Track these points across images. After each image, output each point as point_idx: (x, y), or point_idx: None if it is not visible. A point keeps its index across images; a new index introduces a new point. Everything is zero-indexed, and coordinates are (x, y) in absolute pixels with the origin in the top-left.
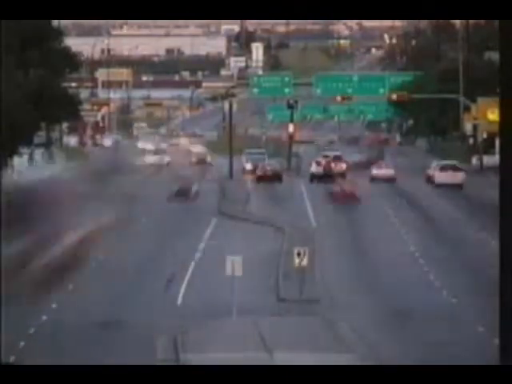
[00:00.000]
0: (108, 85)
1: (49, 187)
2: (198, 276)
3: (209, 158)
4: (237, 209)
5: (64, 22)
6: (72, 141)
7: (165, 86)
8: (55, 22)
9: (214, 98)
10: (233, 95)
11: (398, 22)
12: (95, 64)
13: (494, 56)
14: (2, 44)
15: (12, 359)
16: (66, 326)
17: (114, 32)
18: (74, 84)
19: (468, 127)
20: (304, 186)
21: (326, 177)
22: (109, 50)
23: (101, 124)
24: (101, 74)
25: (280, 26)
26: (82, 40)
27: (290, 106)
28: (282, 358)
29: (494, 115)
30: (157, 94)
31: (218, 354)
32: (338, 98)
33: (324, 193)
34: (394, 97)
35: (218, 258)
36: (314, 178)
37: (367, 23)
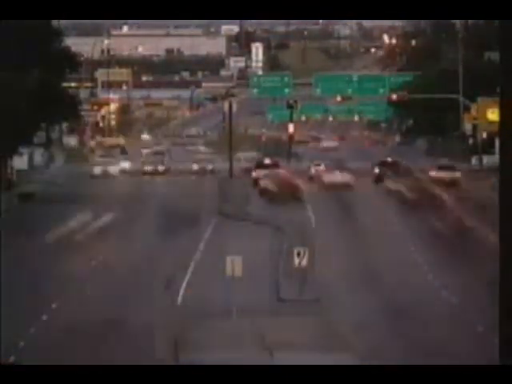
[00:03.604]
0: (108, 85)
1: None
2: (198, 276)
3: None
4: (237, 209)
5: (64, 22)
6: (72, 141)
7: (165, 86)
8: (55, 22)
9: (213, 98)
10: (233, 95)
11: (398, 22)
12: (95, 64)
13: (494, 56)
14: (1, 44)
15: (12, 359)
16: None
17: (114, 32)
18: (73, 84)
19: (468, 127)
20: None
21: None
22: (109, 50)
23: (101, 124)
24: (101, 74)
25: (280, 26)
26: (82, 40)
27: (290, 106)
28: (282, 358)
29: (494, 115)
30: (157, 94)
31: (218, 354)
32: (338, 98)
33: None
34: (394, 97)
35: (218, 258)
36: None
37: (367, 23)
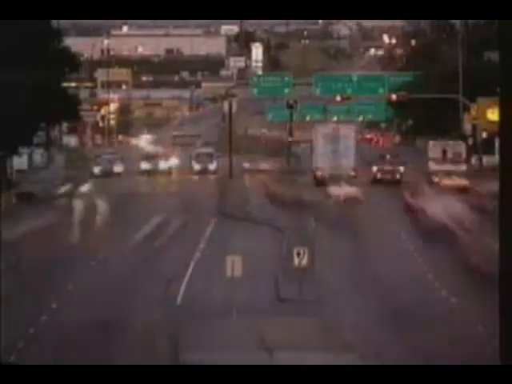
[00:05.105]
0: (108, 85)
1: None
2: (198, 276)
3: None
4: (237, 209)
5: (64, 22)
6: (72, 141)
7: (164, 87)
8: (55, 22)
9: (213, 98)
10: (232, 95)
11: (397, 22)
12: (95, 64)
13: (494, 56)
14: (1, 44)
15: (12, 359)
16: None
17: (114, 32)
18: (73, 84)
19: (468, 127)
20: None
21: None
22: (109, 50)
23: (100, 124)
24: (101, 74)
25: (280, 26)
26: (82, 40)
27: (290, 106)
28: (282, 357)
29: (493, 115)
30: (157, 94)
31: (218, 354)
32: (338, 98)
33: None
34: (394, 97)
35: (218, 258)
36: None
37: (367, 23)
